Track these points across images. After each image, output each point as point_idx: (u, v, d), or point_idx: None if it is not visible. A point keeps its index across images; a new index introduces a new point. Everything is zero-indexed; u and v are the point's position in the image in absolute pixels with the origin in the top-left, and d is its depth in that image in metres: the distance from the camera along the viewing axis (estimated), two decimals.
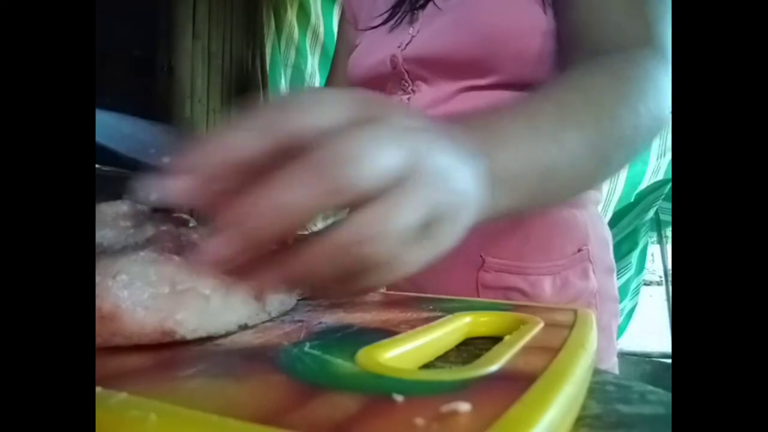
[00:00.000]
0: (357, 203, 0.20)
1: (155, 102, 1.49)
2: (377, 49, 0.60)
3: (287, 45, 1.88)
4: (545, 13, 0.50)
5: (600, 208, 0.60)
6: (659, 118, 0.38)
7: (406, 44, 0.57)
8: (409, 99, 0.58)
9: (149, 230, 0.25)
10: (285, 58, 1.88)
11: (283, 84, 1.87)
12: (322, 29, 1.87)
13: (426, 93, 0.56)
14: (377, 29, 0.62)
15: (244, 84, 1.79)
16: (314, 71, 1.85)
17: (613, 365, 0.55)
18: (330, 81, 0.79)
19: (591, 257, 0.54)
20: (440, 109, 0.54)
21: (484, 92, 0.52)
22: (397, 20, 0.60)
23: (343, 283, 0.21)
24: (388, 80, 0.59)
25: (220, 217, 0.19)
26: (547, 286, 0.52)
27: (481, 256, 0.52)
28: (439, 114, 0.53)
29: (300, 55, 1.88)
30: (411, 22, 0.58)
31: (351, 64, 0.64)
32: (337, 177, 0.19)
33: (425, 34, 0.56)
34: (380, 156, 0.20)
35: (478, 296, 0.52)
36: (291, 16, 1.87)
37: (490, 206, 0.28)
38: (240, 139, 0.19)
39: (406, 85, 0.58)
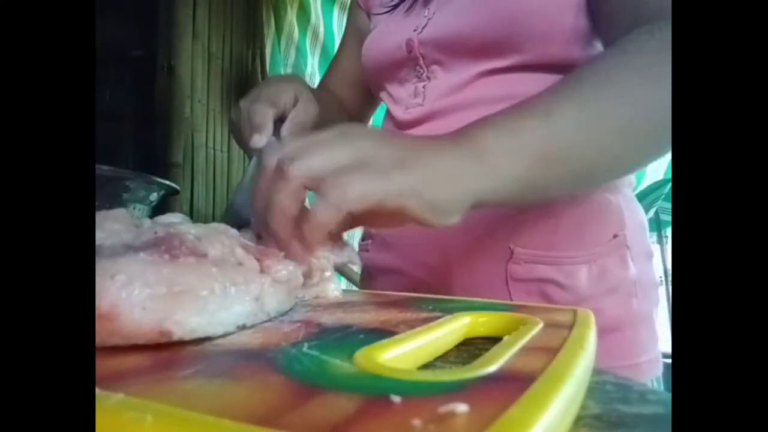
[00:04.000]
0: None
1: (155, 102, 1.49)
2: (393, 33, 0.57)
3: (287, 45, 1.88)
4: None
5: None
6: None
7: (423, 27, 0.54)
8: (424, 87, 0.55)
9: (148, 233, 0.25)
10: (285, 58, 1.88)
11: None
12: (322, 29, 1.87)
13: (442, 79, 0.54)
14: (392, 14, 0.59)
15: (244, 84, 1.79)
16: (314, 71, 1.85)
17: (656, 357, 0.51)
18: (330, 73, 0.75)
19: (628, 243, 0.50)
20: (457, 96, 0.52)
21: (503, 75, 0.50)
22: (412, 1, 0.57)
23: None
24: (403, 66, 0.56)
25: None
26: (583, 276, 0.48)
27: (509, 247, 0.49)
28: (457, 102, 0.52)
29: (300, 55, 1.88)
30: (426, 4, 0.55)
31: (365, 50, 0.61)
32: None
33: (442, 15, 0.52)
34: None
35: (508, 290, 0.48)
36: (291, 16, 1.87)
37: (491, 177, 0.32)
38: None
39: (421, 71, 0.55)
